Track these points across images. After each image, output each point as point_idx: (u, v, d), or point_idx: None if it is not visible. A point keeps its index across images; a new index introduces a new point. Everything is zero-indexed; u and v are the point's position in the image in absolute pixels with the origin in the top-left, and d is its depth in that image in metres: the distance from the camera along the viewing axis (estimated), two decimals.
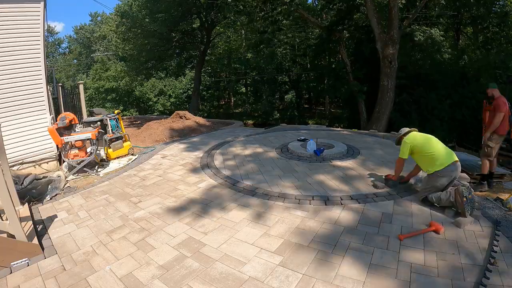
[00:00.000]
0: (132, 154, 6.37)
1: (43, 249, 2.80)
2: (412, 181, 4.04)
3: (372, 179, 4.21)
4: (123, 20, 17.27)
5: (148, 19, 15.92)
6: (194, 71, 22.40)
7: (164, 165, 5.51)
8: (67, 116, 5.52)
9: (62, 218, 3.52)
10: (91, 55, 34.72)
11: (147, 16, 16.06)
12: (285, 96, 24.11)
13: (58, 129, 5.18)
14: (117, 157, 6.14)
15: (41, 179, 4.36)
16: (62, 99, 8.30)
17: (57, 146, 5.51)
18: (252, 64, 23.05)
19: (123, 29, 17.56)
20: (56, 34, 39.90)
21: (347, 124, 15.03)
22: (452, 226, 2.93)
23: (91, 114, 8.80)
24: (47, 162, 5.66)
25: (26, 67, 5.27)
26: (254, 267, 2.45)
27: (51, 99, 6.00)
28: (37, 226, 3.28)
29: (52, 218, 3.50)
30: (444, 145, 3.64)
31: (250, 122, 20.42)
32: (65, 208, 3.79)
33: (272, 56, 21.26)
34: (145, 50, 17.27)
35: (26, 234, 2.80)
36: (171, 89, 24.90)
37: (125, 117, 16.37)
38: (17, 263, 2.55)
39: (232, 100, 27.11)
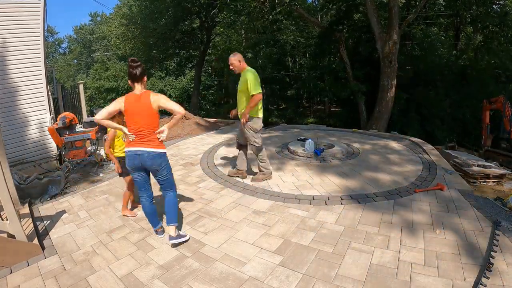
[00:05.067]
0: None
1: (43, 249, 2.80)
2: None
3: None
4: (122, 20, 17.28)
5: (148, 19, 15.92)
6: (194, 71, 22.39)
7: None
8: (67, 116, 5.52)
9: (62, 218, 3.52)
10: (91, 55, 34.71)
11: (147, 16, 16.05)
12: (285, 96, 24.09)
13: (58, 129, 5.18)
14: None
15: (41, 179, 4.37)
16: (62, 99, 8.31)
17: (57, 146, 5.52)
18: (252, 64, 23.05)
19: (123, 30, 17.57)
20: (56, 34, 39.89)
21: (347, 123, 15.04)
22: (453, 226, 2.93)
23: (92, 114, 8.81)
24: (47, 162, 5.67)
25: (26, 67, 5.28)
26: (254, 267, 2.45)
27: (51, 99, 6.00)
28: (37, 226, 3.28)
29: (52, 218, 3.50)
30: None
31: None
32: (65, 208, 3.79)
33: (272, 55, 21.25)
34: (145, 49, 17.27)
35: (26, 234, 2.80)
36: (171, 88, 24.92)
37: None
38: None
39: (232, 100, 27.10)
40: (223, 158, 5.70)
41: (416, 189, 3.80)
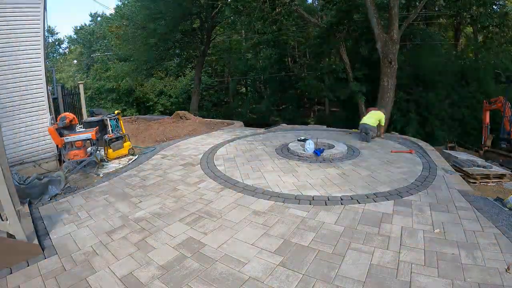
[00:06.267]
0: (132, 154, 6.37)
1: (43, 249, 2.80)
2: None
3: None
4: (123, 21, 17.29)
5: (148, 20, 15.93)
6: (194, 71, 22.41)
7: (164, 165, 5.50)
8: (67, 116, 5.52)
9: (62, 218, 3.52)
10: (92, 55, 34.71)
11: (148, 16, 16.07)
12: (285, 96, 24.11)
13: (58, 129, 5.18)
14: (117, 157, 6.14)
15: (41, 179, 4.36)
16: (62, 99, 8.31)
17: (57, 146, 5.51)
18: (252, 64, 23.06)
19: (123, 30, 17.59)
20: (56, 34, 39.85)
21: (347, 124, 15.04)
22: (453, 226, 2.93)
23: (91, 114, 8.81)
24: (47, 162, 5.66)
25: (26, 67, 5.27)
26: (254, 267, 2.45)
27: (51, 99, 6.00)
28: (37, 226, 3.28)
29: (52, 218, 3.50)
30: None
31: (250, 122, 20.42)
32: (65, 208, 3.79)
33: (272, 56, 21.27)
34: (146, 50, 17.27)
35: (26, 234, 2.80)
36: (171, 89, 24.90)
37: (126, 117, 16.36)
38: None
39: (232, 100, 27.12)
40: (223, 158, 5.70)
41: (392, 150, 5.58)
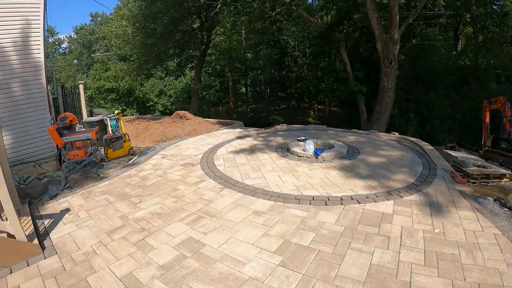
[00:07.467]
0: (132, 154, 6.37)
1: (43, 249, 2.80)
2: None
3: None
4: (122, 21, 17.28)
5: (148, 20, 15.92)
6: (194, 71, 22.40)
7: (164, 165, 5.50)
8: (67, 116, 5.52)
9: (62, 218, 3.52)
10: (92, 55, 34.71)
11: (148, 16, 16.05)
12: (285, 96, 24.11)
13: (58, 129, 5.18)
14: (117, 157, 6.14)
15: (41, 179, 4.36)
16: (62, 99, 8.31)
17: (57, 146, 5.52)
18: (253, 64, 23.07)
19: (123, 30, 17.59)
20: (56, 34, 39.88)
21: (347, 123, 15.06)
22: (453, 226, 2.93)
23: (91, 114, 8.82)
24: (47, 162, 5.66)
25: (26, 67, 5.28)
26: (254, 267, 2.45)
27: (51, 99, 6.00)
28: (37, 226, 3.28)
29: (52, 218, 3.50)
30: None
31: (250, 121, 20.42)
32: (65, 208, 3.79)
33: (272, 56, 21.27)
34: (146, 50, 17.25)
35: (26, 234, 2.80)
36: (171, 89, 24.91)
37: (127, 117, 16.36)
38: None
39: (233, 100, 27.11)
40: (223, 158, 5.70)
41: None
